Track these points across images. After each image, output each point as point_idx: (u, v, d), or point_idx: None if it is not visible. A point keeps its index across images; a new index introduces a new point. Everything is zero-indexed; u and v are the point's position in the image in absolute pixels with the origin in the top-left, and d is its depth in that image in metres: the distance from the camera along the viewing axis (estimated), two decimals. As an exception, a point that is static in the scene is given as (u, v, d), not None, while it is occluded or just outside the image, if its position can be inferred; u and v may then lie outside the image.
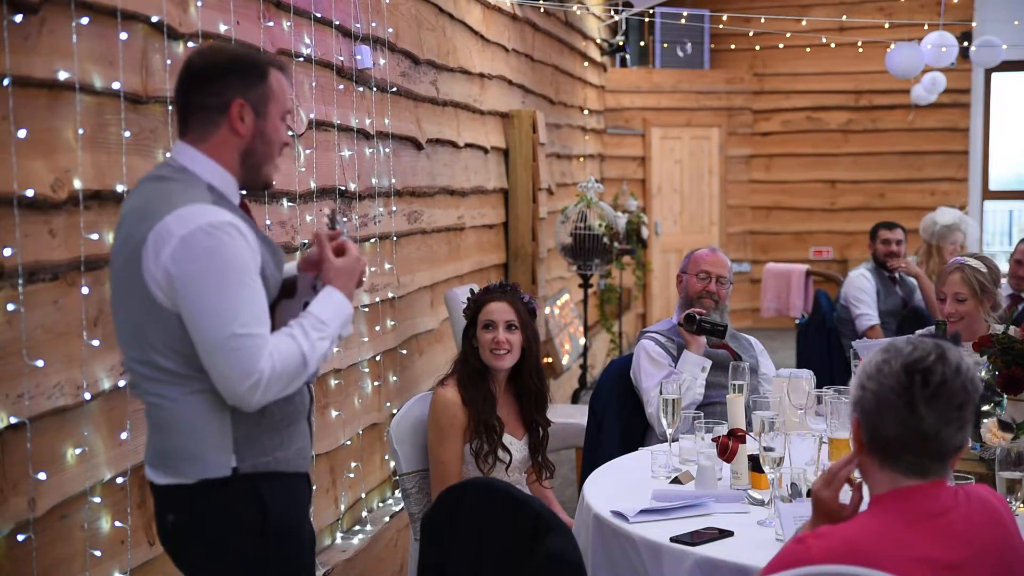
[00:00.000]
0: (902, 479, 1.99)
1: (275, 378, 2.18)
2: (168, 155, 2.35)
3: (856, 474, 2.11)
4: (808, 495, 2.70)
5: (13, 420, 2.43)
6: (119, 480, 2.80)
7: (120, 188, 2.80)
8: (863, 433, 2.01)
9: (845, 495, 2.13)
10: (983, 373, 3.05)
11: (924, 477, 1.99)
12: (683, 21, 10.76)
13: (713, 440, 3.11)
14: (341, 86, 4.28)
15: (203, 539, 2.27)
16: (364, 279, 2.45)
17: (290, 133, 3.80)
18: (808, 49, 11.54)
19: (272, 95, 2.31)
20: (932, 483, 1.99)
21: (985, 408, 3.04)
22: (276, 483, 2.31)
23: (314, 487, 2.64)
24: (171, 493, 2.27)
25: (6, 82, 2.41)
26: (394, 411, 4.61)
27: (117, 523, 2.79)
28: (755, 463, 2.90)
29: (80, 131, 2.66)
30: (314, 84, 4.03)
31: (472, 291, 3.60)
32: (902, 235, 6.25)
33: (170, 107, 3.03)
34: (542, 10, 7.91)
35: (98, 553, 2.71)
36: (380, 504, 4.72)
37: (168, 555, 2.37)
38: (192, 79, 2.28)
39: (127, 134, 2.84)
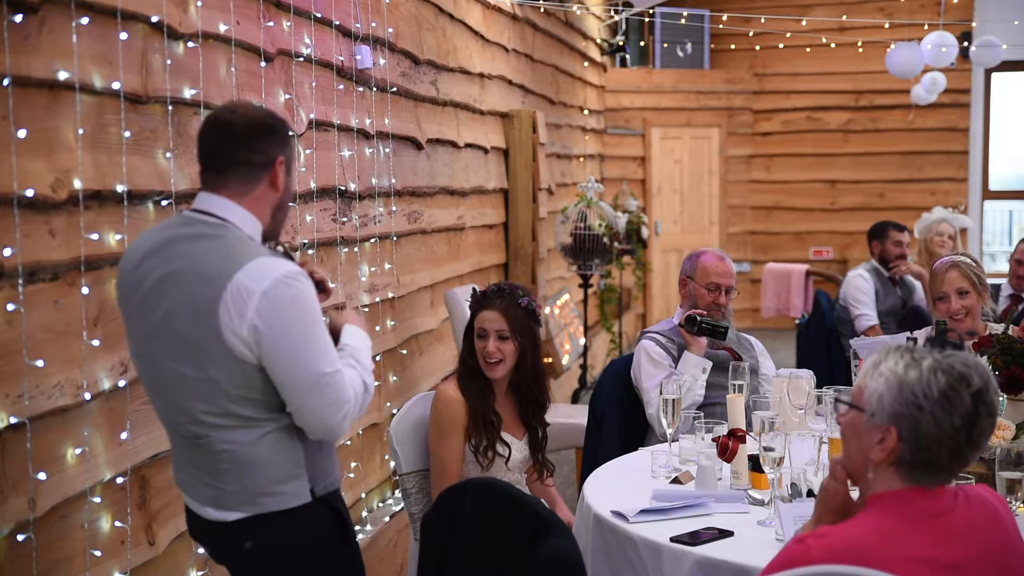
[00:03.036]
0: (908, 482, 1.99)
1: (356, 405, 2.36)
2: (192, 208, 2.38)
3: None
4: (808, 495, 2.70)
5: (13, 420, 2.43)
6: (119, 480, 2.80)
7: (120, 188, 2.80)
8: (902, 447, 1.97)
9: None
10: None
11: (934, 485, 2.00)
12: (683, 21, 10.76)
13: (713, 440, 3.11)
14: (341, 86, 4.28)
15: (289, 557, 2.37)
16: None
17: (290, 134, 3.81)
18: (808, 49, 11.54)
19: (294, 154, 2.44)
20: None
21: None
22: (339, 497, 2.49)
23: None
24: (248, 524, 2.35)
25: (6, 82, 2.41)
26: (394, 411, 4.61)
27: (117, 523, 2.79)
28: (755, 463, 2.90)
29: (80, 131, 2.66)
30: (314, 84, 4.03)
31: (475, 290, 3.58)
32: (908, 237, 6.36)
33: (170, 107, 3.04)
34: (542, 10, 7.90)
35: (98, 553, 2.71)
36: (380, 504, 4.71)
37: None
38: (238, 136, 2.33)
39: (127, 134, 2.83)
